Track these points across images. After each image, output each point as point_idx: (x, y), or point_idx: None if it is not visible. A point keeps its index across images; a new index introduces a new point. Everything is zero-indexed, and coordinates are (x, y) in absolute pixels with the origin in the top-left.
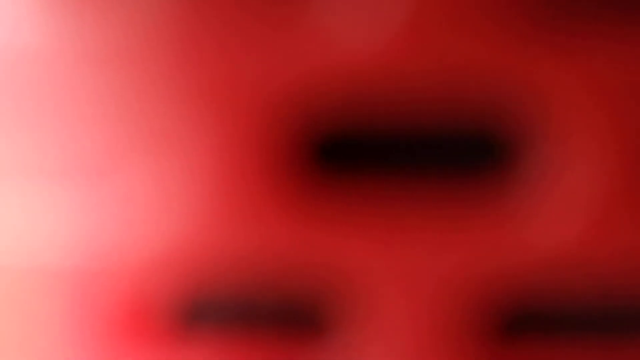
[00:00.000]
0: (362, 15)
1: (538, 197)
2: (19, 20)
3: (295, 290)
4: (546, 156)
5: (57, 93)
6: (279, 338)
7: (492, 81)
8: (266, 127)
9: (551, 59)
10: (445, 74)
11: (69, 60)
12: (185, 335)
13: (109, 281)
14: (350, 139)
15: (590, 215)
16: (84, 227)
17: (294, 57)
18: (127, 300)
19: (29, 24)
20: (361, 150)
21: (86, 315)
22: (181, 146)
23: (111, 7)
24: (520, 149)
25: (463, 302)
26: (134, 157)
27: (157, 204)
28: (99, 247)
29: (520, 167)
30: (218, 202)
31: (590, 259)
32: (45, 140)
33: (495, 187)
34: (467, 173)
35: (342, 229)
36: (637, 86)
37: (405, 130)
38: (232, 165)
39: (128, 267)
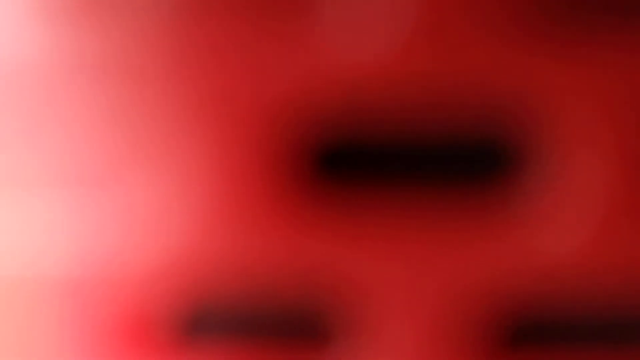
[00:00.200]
0: (364, 25)
1: (541, 206)
2: (18, 32)
3: (298, 299)
4: (550, 166)
5: (56, 103)
6: (281, 348)
7: (496, 90)
8: (267, 135)
9: (555, 69)
10: (448, 83)
11: (68, 71)
12: (187, 346)
13: (110, 291)
14: (353, 148)
15: (594, 225)
16: (85, 237)
17: (296, 65)
18: (129, 310)
19: (28, 36)
20: (364, 159)
21: (87, 325)
22: (182, 156)
23: (110, 19)
24: (524, 158)
25: (466, 312)
26: (134, 167)
27: (158, 214)
28: (99, 257)
29: (523, 177)
30: (219, 212)
31: (593, 268)
32: (45, 150)
33: (498, 197)
34: (470, 182)
35: (344, 239)
36: None
37: (408, 139)
38: (234, 174)
39: (129, 277)
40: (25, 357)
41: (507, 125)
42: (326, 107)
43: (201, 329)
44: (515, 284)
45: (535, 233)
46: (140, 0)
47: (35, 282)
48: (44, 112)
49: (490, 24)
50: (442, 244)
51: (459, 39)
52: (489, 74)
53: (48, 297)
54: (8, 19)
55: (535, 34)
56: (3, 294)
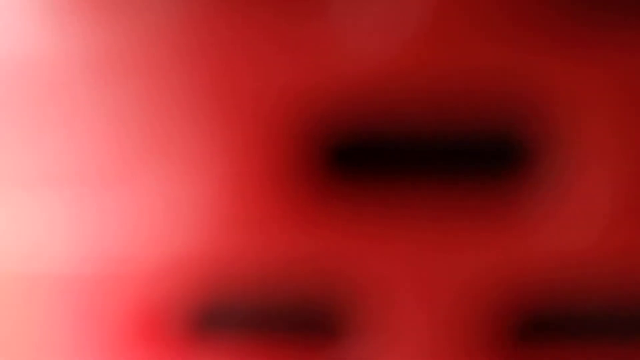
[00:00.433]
0: (377, 19)
1: (553, 202)
2: (23, 29)
3: (308, 294)
4: (561, 161)
5: (62, 101)
6: (293, 344)
7: (508, 86)
8: (277, 131)
9: (566, 66)
10: (460, 79)
11: (74, 68)
12: (198, 343)
13: (121, 288)
14: (363, 144)
15: (603, 220)
16: (95, 234)
17: (305, 61)
18: (140, 308)
19: (33, 32)
20: (374, 155)
21: (98, 323)
22: (192, 152)
23: (116, 16)
24: (536, 153)
25: (479, 307)
26: (144, 164)
27: (168, 210)
28: (110, 255)
29: (533, 173)
30: (229, 207)
31: (602, 263)
32: (55, 148)
33: (510, 192)
34: (480, 178)
35: (355, 234)
36: None
37: (421, 134)
38: (244, 170)
39: (139, 274)
40: (36, 354)
41: (517, 121)
42: (336, 103)
43: (212, 324)
44: (526, 279)
45: (545, 228)
46: None
47: (47, 279)
48: (49, 109)
49: (504, 20)
50: (452, 238)
51: (472, 34)
52: (499, 70)
53: (59, 295)
54: (15, 15)
55: (547, 31)
56: (11, 291)
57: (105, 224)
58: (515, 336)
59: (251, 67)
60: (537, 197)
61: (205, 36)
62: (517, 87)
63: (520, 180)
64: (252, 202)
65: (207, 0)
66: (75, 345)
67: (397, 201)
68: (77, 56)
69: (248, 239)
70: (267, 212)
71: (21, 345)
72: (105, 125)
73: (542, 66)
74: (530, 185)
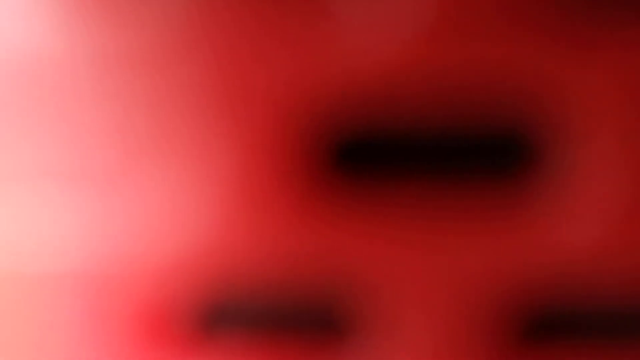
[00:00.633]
0: (383, 17)
1: (559, 200)
2: (30, 27)
3: (315, 293)
4: (570, 158)
5: (71, 98)
6: (299, 342)
7: (514, 84)
8: (284, 129)
9: (576, 62)
10: (466, 77)
11: (81, 65)
12: (205, 341)
13: (127, 287)
14: (370, 141)
15: (612, 218)
16: (101, 232)
17: (313, 58)
18: (147, 306)
19: (40, 30)
20: (381, 152)
21: (105, 322)
22: (200, 150)
23: (123, 14)
24: (543, 151)
25: (484, 306)
26: (151, 162)
27: (174, 208)
28: (116, 253)
29: (542, 170)
30: (236, 206)
31: (611, 261)
32: (61, 146)
33: (516, 190)
34: (488, 175)
35: (362, 232)
36: None
37: (427, 132)
38: (251, 168)
39: (146, 273)
40: (44, 352)
41: (526, 118)
42: (342, 101)
43: (219, 323)
44: (533, 277)
45: (553, 226)
46: None
47: (54, 277)
48: (55, 106)
49: (511, 17)
50: (459, 236)
51: (480, 31)
52: (509, 68)
53: (63, 294)
54: (21, 14)
55: (557, 27)
56: (14, 289)
57: (111, 222)
58: (520, 335)
59: (257, 65)
60: (544, 195)
61: (211, 34)
62: (523, 85)
63: (526, 179)
64: (258, 200)
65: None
66: (81, 345)
67: (403, 199)
68: (83, 53)
69: (255, 238)
70: (274, 211)
71: (24, 345)
72: (112, 122)
73: (550, 64)
74: (536, 183)
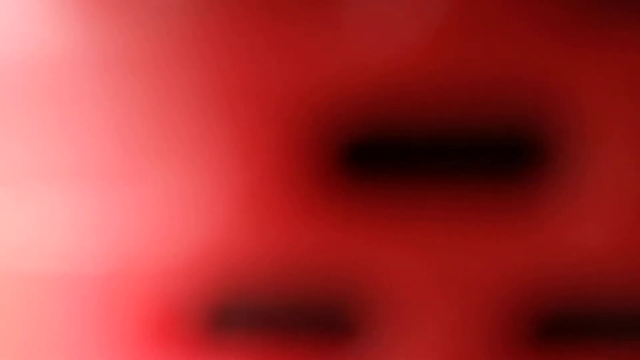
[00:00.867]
0: (389, 17)
1: (571, 200)
2: (29, 27)
3: (323, 293)
4: (580, 159)
5: (71, 98)
6: (304, 343)
7: (524, 84)
8: (291, 129)
9: (586, 62)
10: (475, 78)
11: (84, 64)
12: (211, 341)
13: (135, 287)
14: (377, 141)
15: (624, 219)
16: (104, 232)
17: (320, 58)
18: (151, 306)
19: (39, 30)
20: (388, 153)
21: (112, 322)
22: (205, 150)
23: (125, 15)
24: (552, 152)
25: (493, 308)
26: (159, 161)
27: (181, 208)
28: (120, 253)
29: (552, 170)
30: (243, 206)
31: (622, 262)
32: (63, 145)
33: (525, 190)
34: (497, 176)
35: (370, 232)
36: None
37: (434, 132)
38: (256, 168)
39: (154, 273)
40: (51, 353)
41: (535, 119)
42: (348, 101)
43: (224, 323)
44: (543, 278)
45: (563, 227)
46: None
47: (51, 279)
48: (55, 106)
49: (521, 18)
50: (468, 237)
51: (489, 32)
52: (516, 68)
53: (71, 293)
54: (21, 14)
55: (566, 28)
56: (29, 289)
57: (114, 222)
58: (530, 337)
59: (259, 65)
60: (553, 197)
61: (212, 34)
62: (532, 85)
63: (535, 180)
64: (264, 200)
65: (216, 0)
66: (83, 346)
67: (412, 200)
68: (83, 53)
69: (261, 238)
70: (280, 211)
71: (24, 345)
72: (113, 123)
73: (559, 65)
74: (545, 184)
